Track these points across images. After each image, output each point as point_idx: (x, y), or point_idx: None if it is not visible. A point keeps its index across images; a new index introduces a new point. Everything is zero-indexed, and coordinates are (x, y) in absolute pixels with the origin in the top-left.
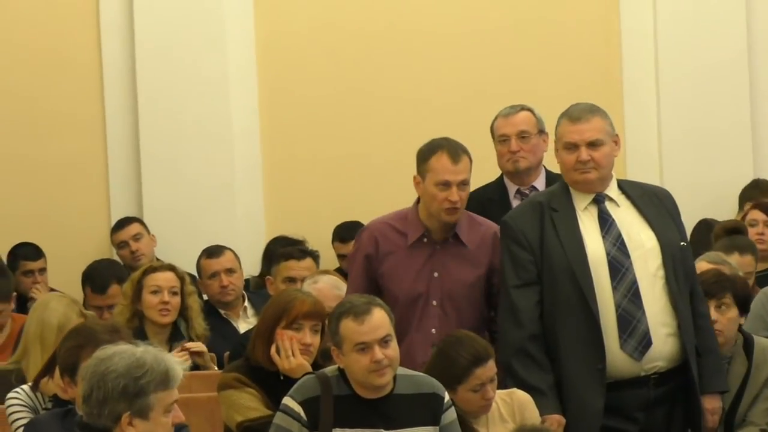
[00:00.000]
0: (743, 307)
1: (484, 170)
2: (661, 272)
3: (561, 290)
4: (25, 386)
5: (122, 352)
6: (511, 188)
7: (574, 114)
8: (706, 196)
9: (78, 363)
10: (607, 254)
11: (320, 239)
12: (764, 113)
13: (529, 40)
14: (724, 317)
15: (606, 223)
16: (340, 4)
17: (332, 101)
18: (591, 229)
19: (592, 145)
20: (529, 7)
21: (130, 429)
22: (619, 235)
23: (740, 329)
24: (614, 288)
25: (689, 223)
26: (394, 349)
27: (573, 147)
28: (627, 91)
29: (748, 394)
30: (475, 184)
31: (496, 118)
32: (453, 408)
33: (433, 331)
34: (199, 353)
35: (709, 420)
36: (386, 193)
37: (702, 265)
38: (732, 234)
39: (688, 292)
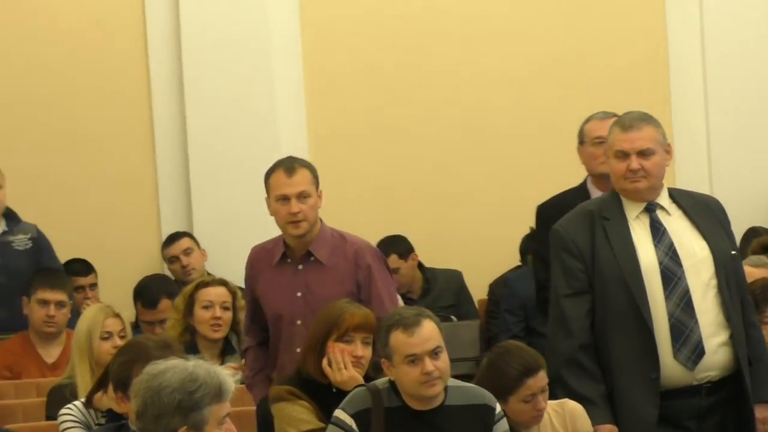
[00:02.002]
0: None
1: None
2: (714, 281)
3: (613, 299)
4: (77, 402)
5: (174, 367)
6: (594, 193)
7: (626, 122)
8: (756, 204)
9: (130, 378)
10: (660, 263)
11: None
12: None
13: (578, 49)
14: None
15: (658, 231)
16: (385, 15)
17: (377, 116)
18: (643, 237)
19: (643, 154)
20: (577, 16)
21: None
22: (671, 244)
23: None
24: (667, 297)
25: (738, 232)
26: (444, 361)
27: (623, 155)
28: (675, 99)
29: None
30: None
31: (589, 120)
32: (505, 419)
33: (298, 350)
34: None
35: (760, 429)
36: (428, 207)
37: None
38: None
39: (740, 301)
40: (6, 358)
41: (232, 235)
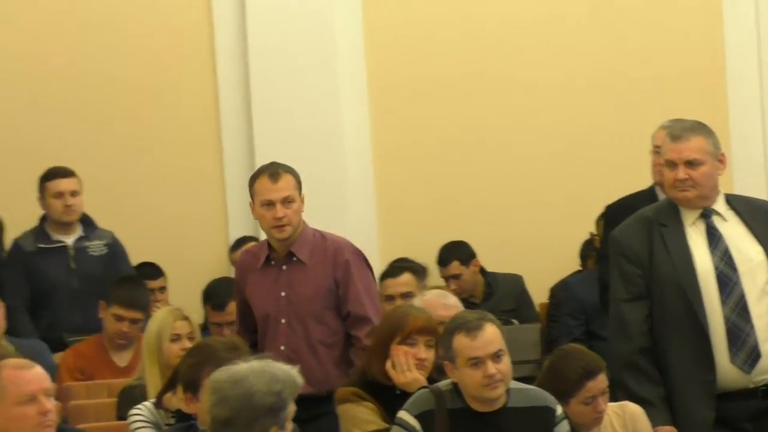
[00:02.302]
0: None
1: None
2: None
3: (670, 304)
4: (147, 402)
5: (252, 371)
6: (661, 197)
7: (675, 132)
8: None
9: (199, 379)
10: (716, 268)
11: (433, 254)
12: None
13: (639, 59)
14: None
15: (714, 237)
16: (449, 18)
17: (439, 124)
18: (699, 243)
19: (690, 164)
20: (639, 28)
21: None
22: (727, 250)
23: None
24: (723, 302)
25: None
26: (506, 364)
27: (672, 165)
28: (732, 106)
29: None
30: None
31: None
32: (566, 421)
33: (282, 348)
34: None
35: None
36: (490, 213)
37: None
38: None
39: None
40: (79, 361)
41: None
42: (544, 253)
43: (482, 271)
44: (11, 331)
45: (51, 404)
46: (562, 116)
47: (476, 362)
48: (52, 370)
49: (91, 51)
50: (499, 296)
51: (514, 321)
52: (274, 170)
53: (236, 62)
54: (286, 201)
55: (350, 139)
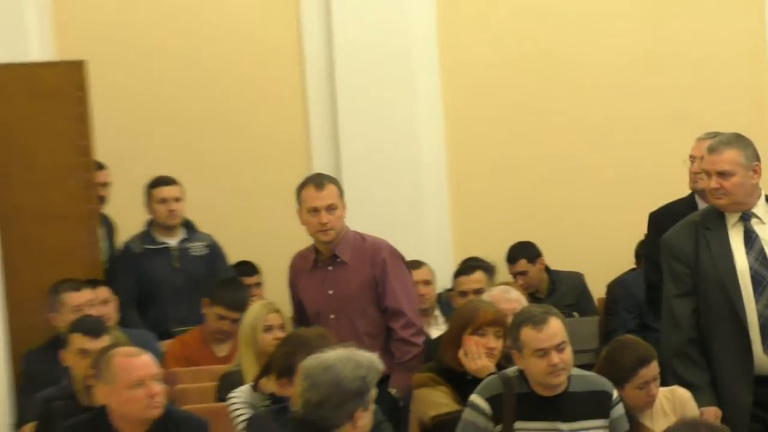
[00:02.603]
0: None
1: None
2: None
3: (713, 300)
4: (244, 386)
5: (339, 359)
6: (701, 205)
7: (712, 145)
8: None
9: (293, 366)
10: (750, 268)
11: (503, 253)
12: None
13: (686, 72)
14: None
15: (750, 239)
16: (521, 41)
17: (510, 136)
18: (738, 244)
19: (722, 174)
20: (686, 46)
21: (360, 421)
22: (762, 250)
23: None
24: (757, 299)
25: None
26: (568, 354)
27: (708, 174)
28: None
29: None
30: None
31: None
32: (621, 404)
33: None
34: None
35: None
36: (554, 215)
37: None
38: None
39: None
40: (184, 350)
41: (380, 236)
42: (602, 252)
43: (547, 269)
44: (121, 324)
45: (158, 388)
46: (621, 132)
47: (541, 353)
48: (159, 358)
49: (195, 76)
50: (562, 292)
51: (575, 314)
52: (319, 180)
53: (324, 80)
54: (330, 208)
55: (428, 154)
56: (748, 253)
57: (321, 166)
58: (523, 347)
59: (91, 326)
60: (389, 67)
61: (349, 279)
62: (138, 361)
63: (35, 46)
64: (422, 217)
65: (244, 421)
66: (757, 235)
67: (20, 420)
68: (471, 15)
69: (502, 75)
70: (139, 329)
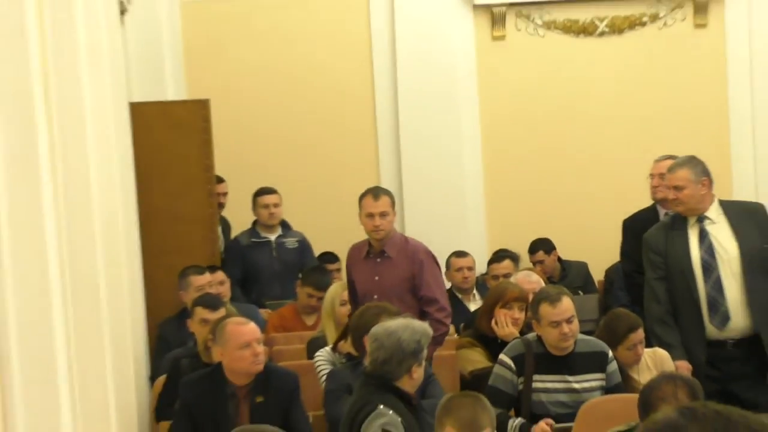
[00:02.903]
0: None
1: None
2: (740, 271)
3: (677, 283)
4: (327, 348)
5: (400, 327)
6: (662, 212)
7: (671, 166)
8: None
9: (364, 333)
10: (701, 258)
11: (524, 245)
12: None
13: (660, 91)
14: None
15: (703, 236)
16: (542, 76)
17: (535, 152)
18: (694, 241)
19: (677, 188)
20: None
21: (415, 374)
22: (710, 244)
23: None
24: (705, 282)
25: None
26: (575, 324)
27: (669, 189)
28: (733, 131)
29: None
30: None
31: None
32: (615, 361)
33: None
34: None
35: None
36: (566, 217)
37: None
38: None
39: None
40: (281, 320)
41: (433, 232)
42: (601, 246)
43: (559, 259)
44: (232, 300)
45: (261, 349)
46: (616, 156)
47: (555, 324)
48: (261, 326)
49: (291, 110)
50: (571, 277)
51: (581, 293)
52: (376, 192)
53: (389, 120)
54: (383, 214)
55: (469, 171)
56: (700, 247)
57: (386, 180)
58: (541, 319)
59: (211, 301)
60: (440, 103)
61: (392, 270)
62: (245, 328)
63: (170, 88)
64: (464, 218)
65: (325, 374)
66: (708, 233)
67: (154, 373)
68: (505, 54)
69: (529, 116)
70: (246, 303)
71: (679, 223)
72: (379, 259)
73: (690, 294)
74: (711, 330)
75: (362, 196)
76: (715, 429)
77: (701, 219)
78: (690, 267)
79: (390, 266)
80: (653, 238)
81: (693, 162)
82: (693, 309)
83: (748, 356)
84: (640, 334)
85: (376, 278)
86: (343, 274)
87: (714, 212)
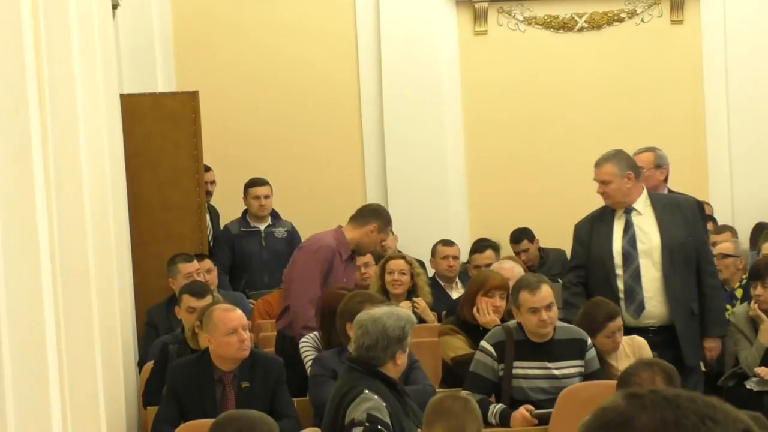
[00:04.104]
0: None
1: None
2: (659, 261)
3: (597, 272)
4: (312, 334)
5: (385, 313)
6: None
7: (597, 161)
8: (761, 204)
9: (348, 320)
10: (623, 248)
11: (504, 235)
12: None
13: (638, 89)
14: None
15: (627, 227)
16: (522, 69)
17: (515, 146)
18: (618, 232)
19: (603, 183)
20: (635, 67)
21: (399, 360)
22: (633, 236)
23: None
24: (624, 271)
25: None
26: (554, 312)
27: (597, 183)
28: (709, 129)
29: None
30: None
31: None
32: (593, 348)
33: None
34: (423, 308)
35: (707, 355)
36: (546, 208)
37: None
38: None
39: (690, 273)
40: (266, 307)
41: (416, 226)
42: None
43: (539, 247)
44: (219, 287)
45: (247, 335)
46: (597, 144)
47: (534, 310)
48: (248, 313)
49: (279, 103)
50: (550, 265)
51: (559, 280)
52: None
53: (374, 112)
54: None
55: (451, 164)
56: (623, 237)
57: (371, 171)
58: (521, 306)
59: (197, 289)
60: (424, 96)
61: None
62: (232, 315)
63: (161, 80)
64: (447, 209)
65: (311, 359)
66: (632, 224)
67: (142, 360)
68: (486, 49)
69: (509, 113)
70: (233, 291)
71: (607, 215)
72: (349, 261)
73: (608, 283)
74: (627, 318)
75: (384, 223)
76: (664, 417)
77: (628, 211)
78: (611, 256)
79: (352, 267)
80: (579, 228)
81: (618, 157)
82: (612, 297)
83: (668, 344)
84: (618, 322)
85: (344, 280)
86: None
87: (641, 204)
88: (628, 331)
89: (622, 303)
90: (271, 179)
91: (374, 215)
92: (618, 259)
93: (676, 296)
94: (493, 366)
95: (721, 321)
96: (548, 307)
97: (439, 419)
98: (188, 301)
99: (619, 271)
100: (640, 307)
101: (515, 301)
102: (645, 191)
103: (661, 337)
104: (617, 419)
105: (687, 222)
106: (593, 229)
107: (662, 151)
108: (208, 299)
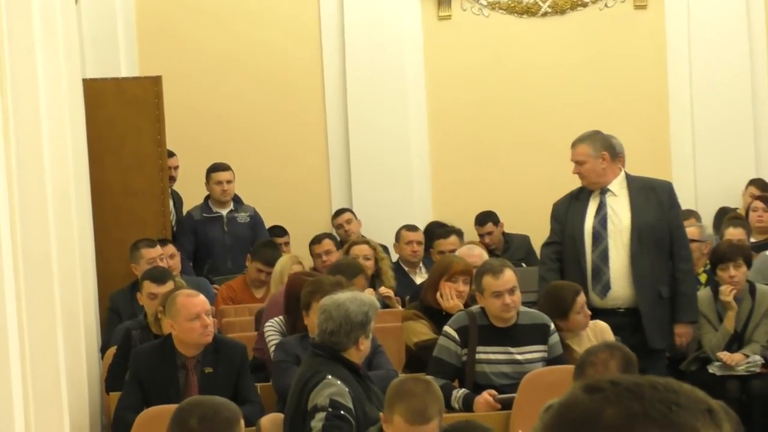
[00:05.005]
0: (749, 265)
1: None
2: (628, 242)
3: (568, 250)
4: (277, 318)
5: (348, 299)
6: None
7: (573, 141)
8: (726, 191)
9: (311, 303)
10: (593, 228)
11: (467, 220)
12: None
13: (601, 74)
14: (739, 272)
15: (600, 208)
16: (486, 53)
17: (478, 130)
18: (591, 211)
19: (578, 163)
20: (599, 52)
21: (362, 345)
22: (605, 216)
23: (747, 279)
24: (593, 251)
25: (714, 209)
26: (517, 296)
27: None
28: (672, 114)
29: (752, 322)
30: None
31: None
32: (556, 333)
33: None
34: (388, 297)
35: (677, 341)
36: (510, 193)
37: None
38: (733, 218)
39: (660, 257)
40: (230, 293)
41: (379, 211)
42: (542, 220)
43: (502, 232)
44: (183, 272)
45: (210, 320)
46: (554, 135)
47: (498, 294)
48: (212, 298)
49: (242, 87)
50: (514, 249)
51: (523, 264)
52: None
53: (338, 94)
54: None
55: (415, 144)
56: (595, 217)
57: (335, 156)
58: (484, 290)
59: (158, 275)
60: (387, 80)
61: None
62: (195, 300)
63: (124, 65)
64: (410, 195)
65: (275, 344)
66: (605, 205)
67: (105, 345)
68: (447, 56)
69: (472, 97)
70: (197, 276)
71: (583, 195)
72: None
73: (577, 261)
74: (594, 298)
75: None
76: (631, 410)
77: (603, 191)
78: (581, 235)
79: None
80: (558, 205)
81: (593, 137)
82: (579, 276)
83: (636, 326)
84: (583, 297)
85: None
86: (293, 247)
87: (617, 185)
88: (596, 312)
89: (590, 283)
90: (235, 164)
91: None
92: (588, 238)
93: (643, 279)
94: (457, 351)
95: (692, 307)
96: (511, 291)
97: (400, 401)
98: (149, 287)
99: (588, 250)
100: (606, 287)
101: (478, 286)
102: (623, 173)
103: (629, 320)
104: (582, 416)
105: (661, 205)
106: (569, 208)
107: (617, 139)
108: (169, 285)
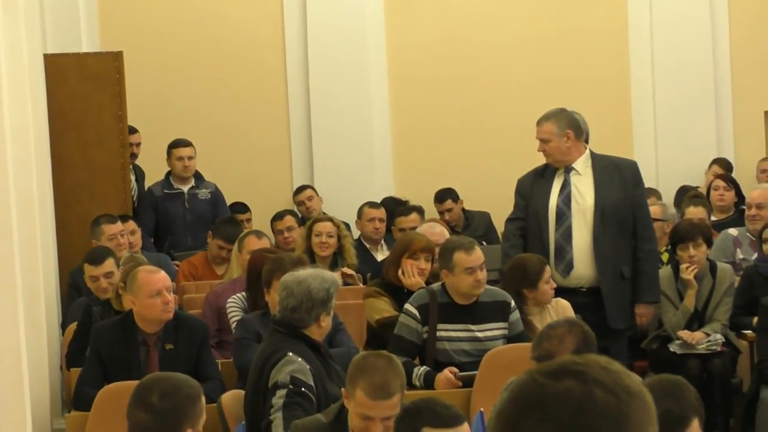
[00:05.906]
0: (709, 243)
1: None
2: (592, 221)
3: (532, 227)
4: (239, 294)
5: (310, 275)
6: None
7: (538, 119)
8: (685, 168)
9: (272, 280)
10: (557, 206)
11: (429, 197)
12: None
13: (563, 52)
14: (699, 251)
15: (565, 186)
16: (448, 30)
17: (441, 106)
18: (555, 189)
19: (543, 141)
20: (561, 29)
21: (323, 322)
22: (569, 194)
23: (708, 258)
24: (556, 230)
25: (674, 188)
26: (485, 272)
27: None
28: (633, 92)
29: (713, 300)
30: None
31: None
32: (517, 311)
33: None
34: (350, 275)
35: (638, 320)
36: (471, 169)
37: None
38: (693, 197)
39: (623, 236)
40: (191, 269)
41: (340, 188)
42: (503, 197)
43: (463, 209)
44: (144, 248)
45: (171, 297)
46: (523, 107)
47: (470, 270)
48: (173, 275)
49: (204, 63)
50: (474, 226)
51: (484, 243)
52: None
53: (299, 73)
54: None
55: (377, 121)
56: (559, 196)
57: (296, 133)
58: (455, 267)
59: (95, 255)
60: (349, 58)
61: None
62: (156, 277)
63: (85, 40)
64: (372, 172)
65: (236, 320)
66: (569, 183)
67: (65, 321)
68: (411, 29)
69: (436, 72)
70: (157, 252)
71: (548, 172)
72: None
73: (541, 240)
74: (557, 277)
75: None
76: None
77: (568, 170)
78: (545, 214)
79: None
80: (522, 181)
81: (558, 116)
82: (542, 254)
83: (597, 306)
84: (548, 268)
85: None
86: (254, 223)
87: (581, 164)
88: (559, 291)
89: (552, 261)
90: (196, 141)
91: None
92: (552, 216)
93: (605, 258)
94: (417, 328)
95: (654, 287)
96: (481, 267)
97: (362, 376)
98: (88, 270)
99: (551, 228)
100: (569, 266)
101: (447, 263)
102: (588, 151)
103: (591, 299)
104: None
105: (625, 185)
106: (534, 184)
107: (582, 117)
108: (108, 265)
